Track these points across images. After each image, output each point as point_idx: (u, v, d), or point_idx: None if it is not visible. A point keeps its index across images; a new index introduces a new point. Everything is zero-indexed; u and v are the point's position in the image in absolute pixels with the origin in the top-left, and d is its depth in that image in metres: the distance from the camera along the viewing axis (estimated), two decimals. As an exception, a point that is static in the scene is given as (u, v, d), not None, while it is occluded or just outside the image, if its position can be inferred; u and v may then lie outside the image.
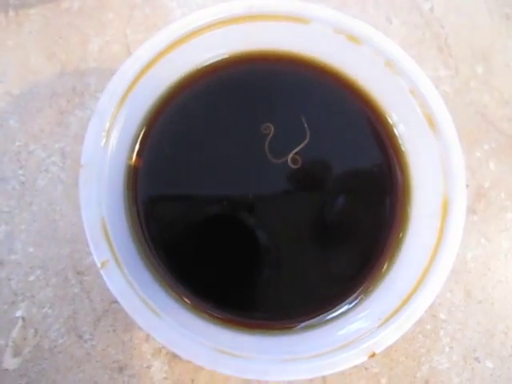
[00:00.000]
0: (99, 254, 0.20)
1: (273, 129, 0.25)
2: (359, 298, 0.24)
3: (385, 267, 0.24)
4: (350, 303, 0.24)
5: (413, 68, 0.24)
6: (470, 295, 0.32)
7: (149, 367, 0.29)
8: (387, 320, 0.21)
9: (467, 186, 0.22)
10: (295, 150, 0.25)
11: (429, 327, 0.31)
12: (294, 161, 0.25)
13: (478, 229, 0.33)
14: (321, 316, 0.24)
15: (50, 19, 0.34)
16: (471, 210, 0.33)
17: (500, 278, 0.32)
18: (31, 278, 0.30)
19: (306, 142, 0.24)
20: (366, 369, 0.30)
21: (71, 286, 0.30)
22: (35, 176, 0.31)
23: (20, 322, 0.30)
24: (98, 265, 0.20)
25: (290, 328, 0.24)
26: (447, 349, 0.31)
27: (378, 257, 0.24)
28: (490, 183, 0.33)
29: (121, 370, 0.29)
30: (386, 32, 0.35)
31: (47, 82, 0.33)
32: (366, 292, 0.24)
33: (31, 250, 0.30)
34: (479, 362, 0.31)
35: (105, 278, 0.20)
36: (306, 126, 0.25)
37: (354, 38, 0.24)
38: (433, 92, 0.23)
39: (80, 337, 0.30)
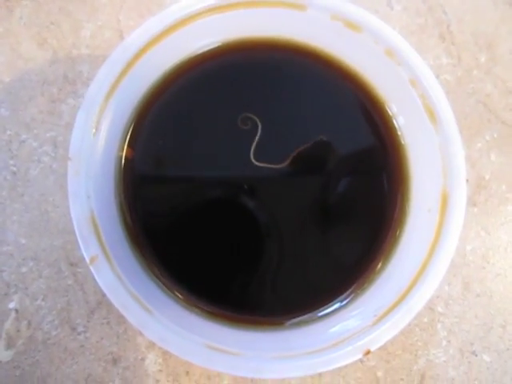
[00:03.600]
0: (88, 249, 0.20)
1: (267, 120, 0.24)
2: (352, 295, 0.24)
3: (379, 265, 0.24)
4: (342, 301, 0.24)
5: (413, 57, 0.23)
6: (468, 288, 0.32)
7: (143, 359, 0.29)
8: (383, 317, 0.21)
9: (467, 180, 0.22)
10: (293, 154, 0.24)
11: (426, 320, 0.31)
12: (290, 158, 0.24)
13: (477, 221, 0.32)
14: (312, 313, 0.23)
15: (41, 4, 0.33)
16: (471, 202, 0.32)
17: (499, 271, 0.32)
18: (24, 269, 0.30)
19: (302, 146, 0.24)
20: (361, 362, 0.30)
21: (64, 278, 0.30)
22: (27, 166, 0.31)
23: (13, 314, 0.29)
24: (87, 260, 0.20)
25: (280, 324, 0.23)
26: (444, 342, 0.31)
27: (373, 255, 0.24)
28: (490, 175, 0.33)
29: (115, 362, 0.29)
30: (387, 18, 0.34)
31: (38, 69, 0.32)
32: (360, 290, 0.24)
33: (23, 241, 0.30)
34: (476, 355, 0.31)
35: (94, 273, 0.20)
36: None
37: (352, 25, 0.23)
38: (434, 83, 0.22)
39: (73, 329, 0.29)
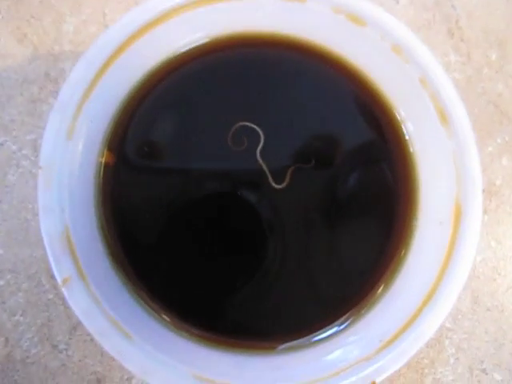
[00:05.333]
0: (60, 269, 0.18)
1: (261, 128, 0.22)
2: (351, 319, 0.22)
3: (380, 289, 0.22)
4: (340, 325, 0.22)
5: (423, 54, 0.21)
6: (477, 302, 0.30)
7: (129, 379, 0.28)
8: (389, 344, 0.19)
9: (483, 190, 0.20)
10: (291, 171, 0.22)
11: (433, 336, 0.29)
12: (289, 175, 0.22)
13: (487, 230, 0.31)
14: (306, 337, 0.21)
15: (20, -4, 0.31)
16: (481, 210, 0.31)
17: (511, 283, 0.30)
18: (1, 282, 0.28)
19: (294, 166, 0.22)
20: (364, 382, 0.28)
21: (45, 292, 0.28)
22: (5, 171, 0.29)
23: (-11, 331, 0.28)
24: (59, 282, 0.18)
25: (272, 348, 0.21)
26: (452, 360, 0.29)
27: (374, 279, 0.22)
28: (502, 180, 0.31)
29: (99, 382, 0.28)
30: (392, 12, 0.31)
31: (18, 67, 0.30)
32: (360, 313, 0.22)
33: (0, 251, 0.28)
34: (486, 373, 0.30)
35: (66, 296, 0.18)
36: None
37: (356, 19, 0.21)
38: (446, 83, 0.20)
39: (55, 346, 0.28)
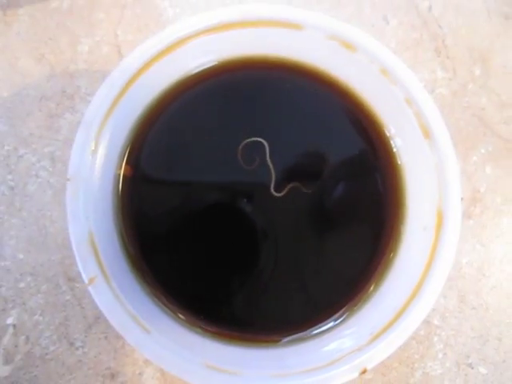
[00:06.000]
0: (87, 270, 0.20)
1: (264, 141, 0.24)
2: (345, 314, 0.24)
3: (372, 288, 0.24)
4: (336, 320, 0.24)
5: (407, 76, 0.23)
6: (464, 301, 0.32)
7: (141, 374, 0.29)
8: (379, 335, 0.21)
9: (462, 198, 0.22)
10: (289, 186, 0.24)
11: (422, 333, 0.31)
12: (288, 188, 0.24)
13: (473, 234, 0.33)
14: (306, 331, 0.24)
15: (38, 19, 0.33)
16: (467, 215, 0.33)
17: (495, 283, 0.32)
18: (21, 284, 0.30)
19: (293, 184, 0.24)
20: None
21: (62, 293, 0.30)
22: (25, 181, 0.31)
23: (11, 330, 0.29)
24: (86, 281, 0.20)
25: (277, 341, 0.23)
26: (440, 355, 0.31)
27: (365, 279, 0.24)
28: (486, 188, 0.33)
29: (113, 376, 0.29)
30: (383, 32, 0.35)
31: (36, 84, 0.32)
32: (353, 309, 0.24)
33: (21, 256, 0.30)
34: (472, 367, 0.31)
35: (93, 294, 0.20)
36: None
37: (347, 45, 0.24)
38: (428, 102, 0.23)
39: (71, 344, 0.29)
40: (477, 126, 0.34)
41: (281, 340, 0.23)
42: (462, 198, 0.22)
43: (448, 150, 0.22)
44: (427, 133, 0.23)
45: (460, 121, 0.34)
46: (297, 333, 0.24)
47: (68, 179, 0.20)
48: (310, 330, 0.24)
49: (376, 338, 0.21)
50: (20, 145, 0.31)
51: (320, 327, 0.24)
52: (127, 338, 0.20)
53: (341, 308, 0.24)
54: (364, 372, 0.20)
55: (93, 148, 0.21)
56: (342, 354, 0.21)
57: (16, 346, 0.29)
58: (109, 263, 0.21)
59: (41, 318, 0.30)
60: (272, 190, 0.24)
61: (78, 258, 0.20)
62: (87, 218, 0.21)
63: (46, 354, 0.29)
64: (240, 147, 0.24)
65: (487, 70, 0.35)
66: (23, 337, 0.29)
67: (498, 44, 0.36)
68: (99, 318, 0.30)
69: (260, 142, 0.25)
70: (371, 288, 0.24)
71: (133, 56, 0.22)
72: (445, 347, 0.31)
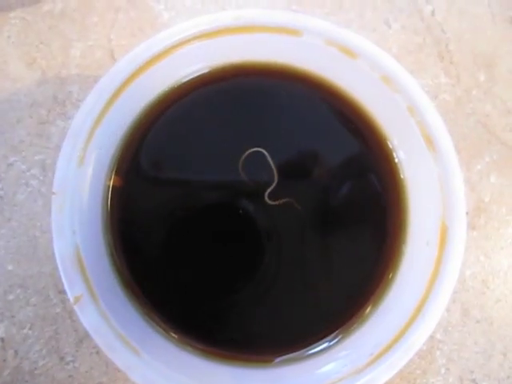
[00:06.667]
0: (72, 288, 0.19)
1: (263, 150, 0.23)
2: (339, 336, 0.23)
3: (370, 307, 0.23)
4: (330, 341, 0.23)
5: (410, 84, 0.22)
6: (467, 314, 0.31)
7: (133, 390, 0.28)
8: (379, 357, 0.20)
9: (467, 212, 0.21)
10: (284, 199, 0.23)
11: (424, 348, 0.30)
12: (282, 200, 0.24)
13: (477, 245, 0.32)
14: (300, 351, 0.23)
15: (30, 23, 0.32)
16: (470, 226, 0.32)
17: (499, 296, 0.31)
18: (10, 297, 0.29)
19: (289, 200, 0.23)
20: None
21: (53, 306, 0.29)
22: (15, 190, 0.30)
23: (-1, 343, 0.28)
24: (71, 300, 0.19)
25: (269, 361, 0.22)
26: (443, 370, 0.30)
27: (365, 298, 0.23)
28: (490, 197, 0.32)
29: (104, 392, 0.28)
30: (385, 37, 0.34)
31: (27, 90, 0.31)
32: (348, 331, 0.23)
33: (10, 267, 0.29)
34: (476, 383, 0.30)
35: (78, 313, 0.19)
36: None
37: (347, 51, 0.23)
38: (432, 110, 0.22)
39: (62, 358, 0.29)
40: (481, 134, 0.33)
41: (274, 360, 0.22)
42: (467, 213, 0.21)
43: (452, 161, 0.21)
44: (431, 142, 0.22)
45: (464, 128, 0.33)
46: (290, 353, 0.23)
47: (53, 193, 0.19)
48: (304, 350, 0.23)
49: (377, 358, 0.20)
50: (10, 152, 0.30)
51: (315, 347, 0.23)
52: (115, 361, 0.19)
53: (334, 330, 0.23)
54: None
55: (80, 159, 0.20)
56: (339, 376, 0.20)
57: (4, 361, 0.28)
58: (96, 280, 0.20)
59: (30, 332, 0.29)
60: (266, 198, 0.24)
61: (62, 276, 0.19)
62: (73, 232, 0.20)
63: (36, 368, 0.28)
64: (242, 159, 0.23)
65: (492, 75, 0.34)
66: (12, 351, 0.28)
67: (503, 49, 0.35)
68: (90, 331, 0.29)
69: (259, 151, 0.24)
70: (368, 309, 0.23)
71: (123, 63, 0.21)
72: (448, 362, 0.30)
